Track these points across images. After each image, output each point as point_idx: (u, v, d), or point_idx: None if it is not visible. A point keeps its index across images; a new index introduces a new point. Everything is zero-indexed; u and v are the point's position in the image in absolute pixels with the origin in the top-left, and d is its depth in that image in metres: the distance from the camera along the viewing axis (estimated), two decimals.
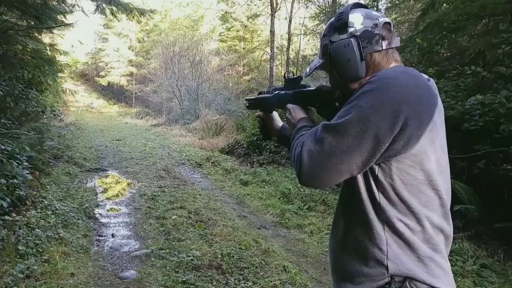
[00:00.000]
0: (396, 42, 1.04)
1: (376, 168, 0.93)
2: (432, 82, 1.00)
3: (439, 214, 0.95)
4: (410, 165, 0.91)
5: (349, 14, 1.02)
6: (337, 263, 1.07)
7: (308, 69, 1.17)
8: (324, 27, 1.12)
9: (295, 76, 1.32)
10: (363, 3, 1.11)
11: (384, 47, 1.01)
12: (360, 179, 0.97)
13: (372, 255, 0.94)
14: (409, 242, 0.92)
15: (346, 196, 1.05)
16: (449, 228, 0.98)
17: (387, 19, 1.03)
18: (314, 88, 1.24)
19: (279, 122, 1.42)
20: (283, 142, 1.37)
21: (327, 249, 3.77)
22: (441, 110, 0.97)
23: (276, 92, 1.36)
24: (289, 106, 1.24)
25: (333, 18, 1.08)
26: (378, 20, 1.02)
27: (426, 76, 1.01)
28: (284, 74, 1.36)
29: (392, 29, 1.04)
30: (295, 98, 1.26)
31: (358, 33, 1.00)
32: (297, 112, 1.20)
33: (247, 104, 1.55)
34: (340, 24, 1.03)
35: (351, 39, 1.00)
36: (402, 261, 0.92)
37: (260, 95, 1.46)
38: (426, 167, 0.92)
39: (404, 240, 0.92)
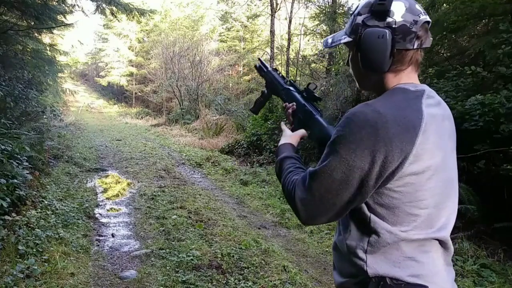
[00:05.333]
0: (428, 42, 1.00)
1: None
2: (426, 96, 0.96)
3: (428, 228, 0.96)
4: (395, 190, 0.92)
5: (393, 2, 0.95)
6: (334, 258, 1.14)
7: (330, 40, 1.11)
8: (360, 3, 1.04)
9: (316, 94, 1.30)
10: None
11: (415, 46, 0.97)
12: None
13: (354, 261, 0.98)
14: (391, 249, 0.94)
15: None
16: (442, 236, 0.97)
17: (428, 18, 0.98)
18: (325, 125, 1.20)
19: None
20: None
21: (327, 249, 3.75)
22: (429, 130, 0.92)
23: (289, 88, 1.36)
24: (282, 127, 1.31)
25: None
26: (420, 17, 0.96)
27: (420, 88, 0.98)
28: (309, 83, 1.33)
29: (428, 29, 0.99)
30: (302, 111, 1.28)
31: (395, 26, 0.95)
32: (284, 140, 1.26)
33: (258, 66, 1.55)
34: (380, 10, 0.96)
35: (387, 31, 0.94)
36: (381, 267, 0.94)
37: (275, 75, 1.46)
38: (412, 189, 0.92)
39: (385, 248, 0.94)
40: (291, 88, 1.36)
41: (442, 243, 0.99)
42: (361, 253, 0.97)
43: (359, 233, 0.97)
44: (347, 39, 1.04)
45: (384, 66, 0.97)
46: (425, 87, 1.00)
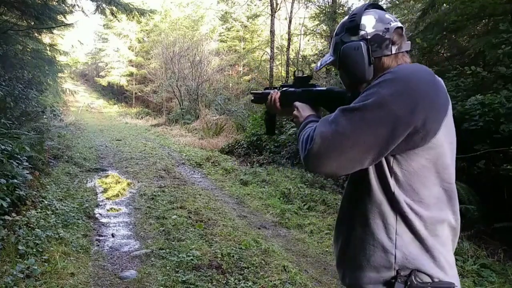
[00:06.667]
0: (406, 46, 1.05)
1: (391, 159, 0.94)
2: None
3: (448, 207, 0.98)
4: (426, 158, 0.92)
5: (362, 16, 1.04)
6: (344, 256, 1.09)
7: (319, 64, 1.19)
8: (338, 25, 1.14)
9: (304, 75, 1.31)
10: (378, 4, 1.14)
11: (393, 52, 1.02)
12: (373, 171, 0.97)
13: (381, 244, 0.96)
14: (418, 232, 0.94)
15: (354, 190, 1.06)
16: (455, 221, 1.00)
17: (399, 24, 1.04)
18: (325, 88, 1.24)
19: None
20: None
21: (327, 249, 3.74)
22: (451, 107, 0.99)
23: (284, 89, 1.36)
24: (297, 104, 1.23)
25: (346, 18, 1.09)
26: (390, 24, 1.03)
27: None
28: (294, 71, 1.37)
29: (403, 33, 1.05)
30: (303, 97, 1.25)
31: (369, 37, 1.02)
32: (305, 110, 1.19)
33: (252, 98, 1.55)
34: (352, 26, 1.04)
35: (361, 43, 1.01)
36: (410, 251, 0.94)
37: (267, 90, 1.46)
38: (441, 160, 0.94)
39: (413, 230, 0.94)
40: (283, 88, 1.38)
41: (454, 229, 1.00)
42: (390, 233, 0.95)
43: (390, 211, 0.95)
44: (331, 59, 1.12)
45: (366, 75, 1.02)
46: None
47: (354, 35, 1.04)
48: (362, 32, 1.03)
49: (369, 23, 1.03)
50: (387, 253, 0.95)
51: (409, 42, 1.07)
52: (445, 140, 0.93)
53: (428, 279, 0.92)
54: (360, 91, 1.04)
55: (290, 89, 1.33)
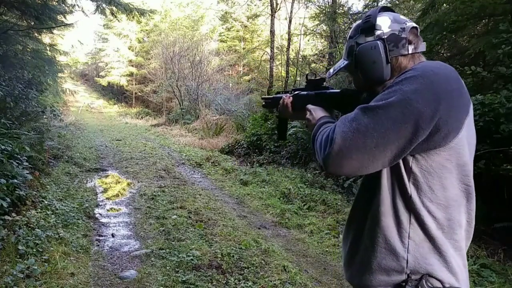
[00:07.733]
0: (422, 47, 1.04)
1: (411, 159, 0.92)
2: None
3: (465, 209, 0.96)
4: (447, 158, 0.91)
5: (377, 17, 1.03)
6: (354, 256, 1.06)
7: (332, 70, 1.17)
8: (350, 30, 1.13)
9: (317, 78, 1.30)
10: (391, 7, 1.12)
11: (410, 51, 1.01)
12: (388, 172, 0.95)
13: (393, 248, 0.94)
14: (432, 236, 0.92)
15: (367, 191, 1.03)
16: (469, 224, 0.99)
17: (414, 24, 1.04)
18: (339, 90, 1.22)
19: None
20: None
21: (327, 249, 3.74)
22: (472, 108, 0.98)
23: (296, 92, 1.34)
24: (310, 106, 1.20)
25: (360, 21, 1.08)
26: (406, 24, 1.02)
27: None
28: (306, 75, 1.34)
29: (418, 34, 1.04)
30: (317, 99, 1.23)
31: (385, 36, 1.01)
32: (318, 113, 1.16)
33: (263, 103, 1.54)
34: (367, 27, 1.03)
35: (378, 42, 1.00)
36: (422, 255, 0.92)
37: (278, 95, 1.45)
38: (462, 161, 0.92)
39: (428, 233, 0.92)
40: (296, 91, 1.36)
41: (467, 232, 0.99)
42: (403, 237, 0.93)
43: (405, 214, 0.94)
44: (346, 62, 1.11)
45: (384, 74, 1.01)
46: None
47: (369, 35, 1.03)
48: (378, 32, 1.02)
49: (384, 23, 1.02)
50: (398, 257, 0.93)
51: (425, 43, 1.06)
52: (466, 140, 0.92)
53: (439, 285, 0.91)
54: (377, 91, 1.02)
55: (303, 92, 1.31)
